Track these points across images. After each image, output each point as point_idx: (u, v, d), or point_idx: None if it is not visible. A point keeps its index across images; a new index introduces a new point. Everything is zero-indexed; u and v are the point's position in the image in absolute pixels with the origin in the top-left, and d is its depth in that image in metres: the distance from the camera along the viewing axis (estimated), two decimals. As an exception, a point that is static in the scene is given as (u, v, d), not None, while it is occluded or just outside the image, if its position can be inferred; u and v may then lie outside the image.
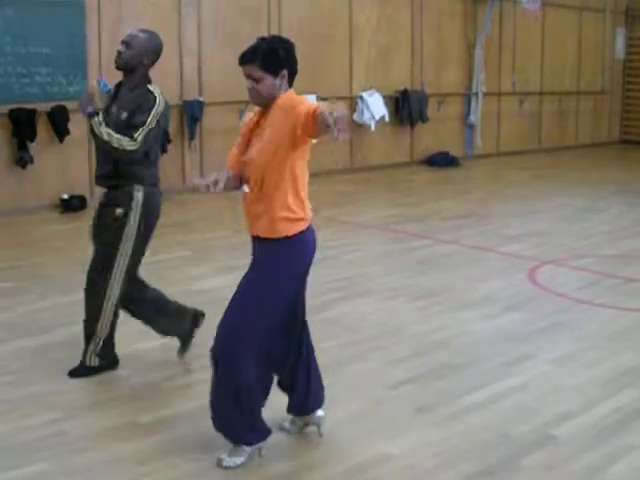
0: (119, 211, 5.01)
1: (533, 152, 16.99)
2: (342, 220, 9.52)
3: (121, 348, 5.48)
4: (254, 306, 3.96)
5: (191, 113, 11.58)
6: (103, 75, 10.60)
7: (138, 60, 5.01)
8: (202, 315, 5.50)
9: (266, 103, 3.94)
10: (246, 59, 3.90)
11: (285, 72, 3.91)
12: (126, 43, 5.01)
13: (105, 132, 4.90)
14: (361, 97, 13.57)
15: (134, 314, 5.35)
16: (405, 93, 14.41)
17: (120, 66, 5.05)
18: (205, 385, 4.95)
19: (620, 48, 18.98)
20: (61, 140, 10.41)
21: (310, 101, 3.92)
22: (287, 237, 3.93)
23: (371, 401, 4.84)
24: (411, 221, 10.02)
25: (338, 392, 4.96)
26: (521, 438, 4.37)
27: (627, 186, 13.11)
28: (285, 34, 12.63)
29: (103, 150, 5.03)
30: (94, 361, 5.18)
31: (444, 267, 7.84)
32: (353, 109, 13.38)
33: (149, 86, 5.04)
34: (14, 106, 10.01)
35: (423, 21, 14.67)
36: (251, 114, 4.14)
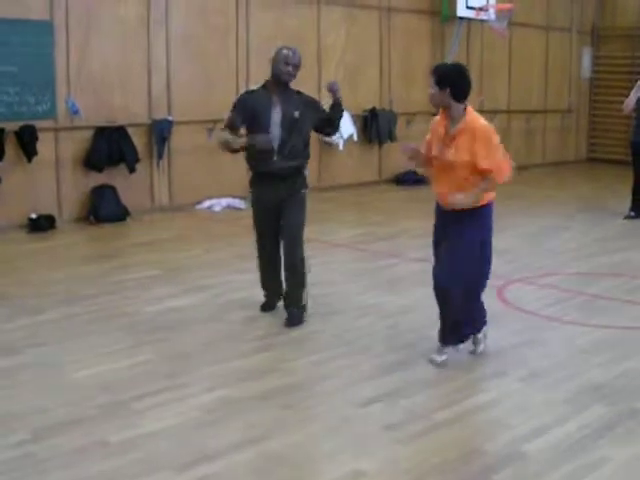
0: None
1: (501, 170, 17.03)
2: (312, 239, 9.52)
3: (86, 369, 5.48)
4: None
5: (160, 132, 11.49)
6: (72, 94, 10.59)
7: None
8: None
9: (437, 107, 5.70)
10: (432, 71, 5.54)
11: (448, 90, 5.55)
12: (296, 66, 6.25)
13: None
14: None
15: None
16: (373, 112, 14.49)
17: (289, 82, 6.30)
18: (175, 405, 4.94)
19: (586, 67, 19.18)
20: (29, 160, 10.33)
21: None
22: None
23: (341, 419, 4.83)
24: (380, 240, 10.04)
25: (308, 410, 4.95)
26: (492, 454, 4.38)
27: (593, 204, 13.23)
28: (252, 53, 12.66)
29: None
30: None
31: (414, 285, 7.85)
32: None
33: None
34: (-19, 126, 9.96)
35: (391, 41, 14.76)
36: None
